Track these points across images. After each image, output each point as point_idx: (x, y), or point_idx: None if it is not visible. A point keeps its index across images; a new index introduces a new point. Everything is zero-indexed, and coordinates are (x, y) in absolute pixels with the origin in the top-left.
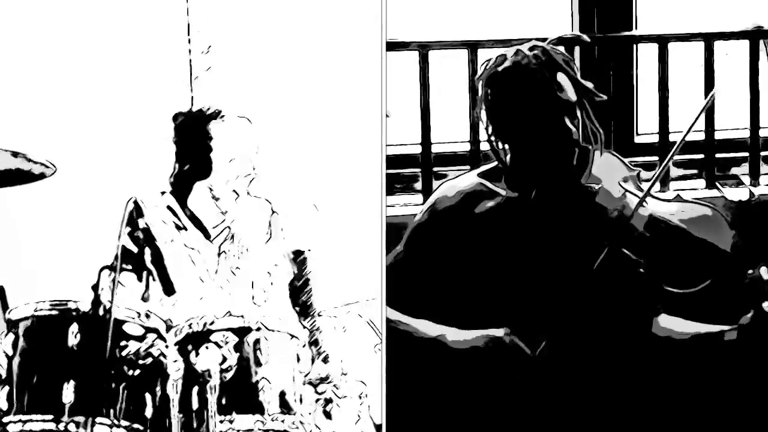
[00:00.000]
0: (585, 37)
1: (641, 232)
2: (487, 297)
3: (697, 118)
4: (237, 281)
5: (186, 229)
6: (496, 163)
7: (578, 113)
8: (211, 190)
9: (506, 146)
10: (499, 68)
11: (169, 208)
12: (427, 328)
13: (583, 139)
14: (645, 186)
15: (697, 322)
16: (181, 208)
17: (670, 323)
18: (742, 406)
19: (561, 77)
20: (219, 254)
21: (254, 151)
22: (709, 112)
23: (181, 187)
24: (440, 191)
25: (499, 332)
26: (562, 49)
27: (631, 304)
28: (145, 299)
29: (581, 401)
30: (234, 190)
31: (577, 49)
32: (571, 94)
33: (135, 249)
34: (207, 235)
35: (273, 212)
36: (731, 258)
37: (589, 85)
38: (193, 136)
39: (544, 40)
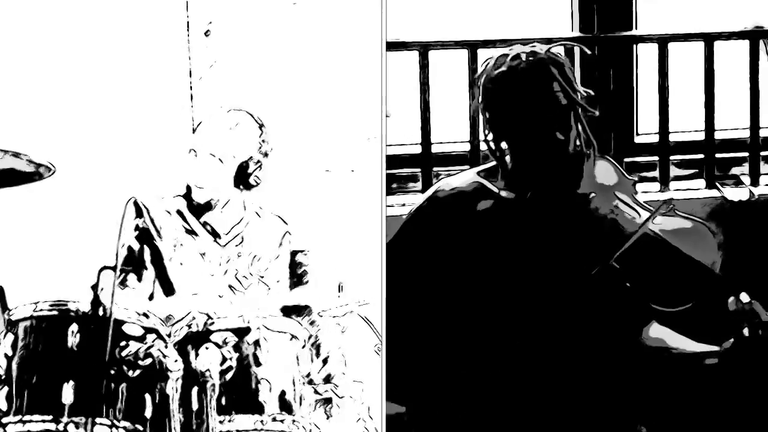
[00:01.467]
0: (585, 49)
1: (631, 247)
2: (459, 308)
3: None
4: (242, 289)
5: (195, 235)
6: (494, 162)
7: (573, 122)
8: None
9: (504, 147)
10: (496, 72)
11: (179, 212)
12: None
13: (580, 147)
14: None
15: (685, 335)
16: (192, 213)
17: (660, 333)
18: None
19: (555, 87)
20: (228, 260)
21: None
22: (709, 112)
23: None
24: (437, 187)
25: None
26: (562, 55)
27: (616, 317)
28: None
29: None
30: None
31: (576, 50)
32: (563, 103)
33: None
34: (217, 238)
35: (286, 233)
36: (718, 279)
37: (589, 92)
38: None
39: (548, 41)
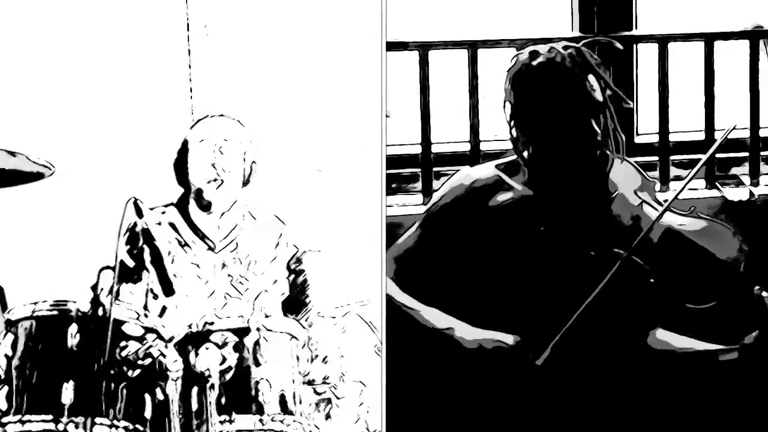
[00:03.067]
0: (618, 45)
1: (655, 243)
2: (496, 295)
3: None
4: (239, 295)
5: (189, 246)
6: (513, 156)
7: (602, 117)
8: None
9: (528, 141)
10: (534, 63)
11: (171, 224)
12: (436, 318)
13: (605, 145)
14: (659, 196)
15: (693, 338)
16: (185, 221)
17: (665, 337)
18: (736, 422)
19: (592, 79)
20: (223, 266)
21: (248, 143)
22: (709, 112)
23: (182, 199)
24: (456, 180)
25: (508, 338)
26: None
27: (637, 312)
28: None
29: (579, 409)
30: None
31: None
32: (599, 97)
33: (132, 263)
34: (212, 247)
35: (282, 233)
36: (741, 277)
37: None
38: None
39: (574, 39)
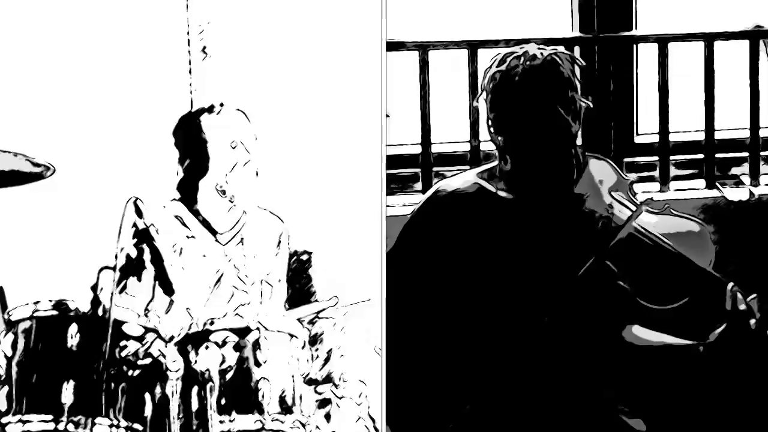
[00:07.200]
0: (580, 60)
1: (623, 245)
2: (482, 300)
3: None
4: (244, 287)
5: (195, 238)
6: (494, 163)
7: (569, 138)
8: (219, 189)
9: (505, 143)
10: (495, 70)
11: (177, 217)
12: None
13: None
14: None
15: (665, 334)
16: (191, 214)
17: (639, 332)
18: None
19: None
20: (230, 260)
21: (252, 139)
22: (709, 112)
23: (188, 192)
24: (437, 187)
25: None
26: (566, 61)
27: (607, 315)
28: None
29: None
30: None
31: (576, 49)
32: (559, 120)
33: (134, 253)
34: (216, 238)
35: (284, 232)
36: (710, 277)
37: (588, 103)
38: (187, 134)
39: (547, 42)
